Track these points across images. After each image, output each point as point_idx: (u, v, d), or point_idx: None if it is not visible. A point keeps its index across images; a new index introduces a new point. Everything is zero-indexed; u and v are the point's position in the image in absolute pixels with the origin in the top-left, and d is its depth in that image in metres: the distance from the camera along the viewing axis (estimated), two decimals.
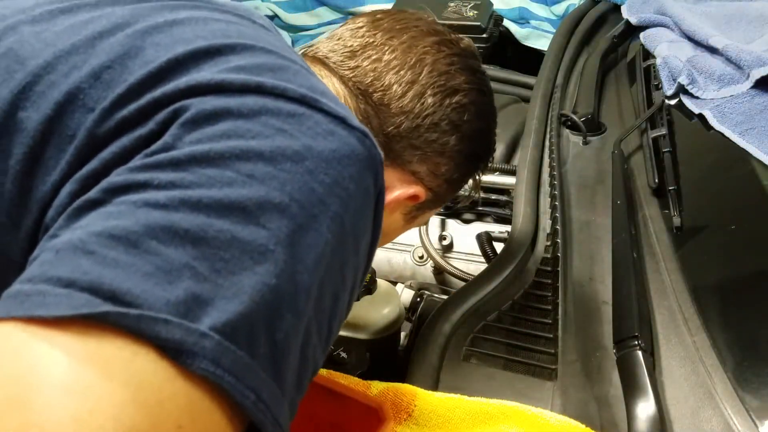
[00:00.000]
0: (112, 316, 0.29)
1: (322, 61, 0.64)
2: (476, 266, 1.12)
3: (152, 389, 0.29)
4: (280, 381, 0.34)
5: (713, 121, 0.91)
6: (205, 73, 0.40)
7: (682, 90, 1.00)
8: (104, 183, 0.36)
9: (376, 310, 0.85)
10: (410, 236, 1.19)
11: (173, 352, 0.30)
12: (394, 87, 0.62)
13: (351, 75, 0.62)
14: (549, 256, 0.87)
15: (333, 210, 0.38)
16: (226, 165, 0.36)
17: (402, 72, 0.62)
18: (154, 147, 0.37)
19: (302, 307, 0.36)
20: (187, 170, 0.35)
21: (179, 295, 0.31)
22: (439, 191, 0.68)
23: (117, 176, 0.36)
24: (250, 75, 0.40)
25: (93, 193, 0.35)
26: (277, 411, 0.33)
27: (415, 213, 0.69)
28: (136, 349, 0.29)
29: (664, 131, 0.94)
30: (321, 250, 0.37)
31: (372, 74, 0.62)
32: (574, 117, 1.09)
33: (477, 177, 0.73)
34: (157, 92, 0.39)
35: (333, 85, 0.62)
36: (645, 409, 0.57)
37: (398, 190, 0.65)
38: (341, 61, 0.63)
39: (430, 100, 0.62)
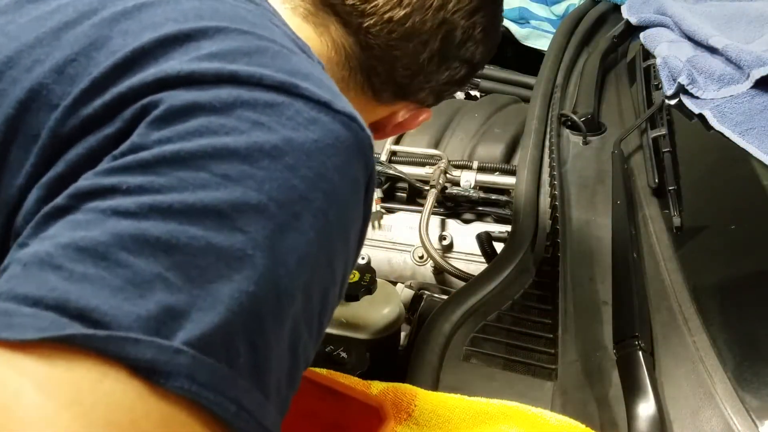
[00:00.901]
0: (78, 339, 0.28)
1: (329, 3, 0.57)
2: (476, 266, 1.12)
3: (123, 410, 0.28)
4: (263, 386, 0.33)
5: (713, 121, 0.91)
6: (174, 63, 0.37)
7: (682, 90, 1.00)
8: (72, 188, 0.34)
9: (376, 310, 0.85)
10: (410, 236, 1.19)
11: (145, 371, 0.29)
12: (414, 36, 0.58)
13: (366, 24, 0.56)
14: (549, 256, 0.87)
15: (316, 206, 0.36)
16: (199, 165, 0.34)
17: (420, 18, 0.57)
18: (122, 148, 0.35)
19: (286, 310, 0.34)
20: (157, 173, 0.33)
21: (150, 309, 0.30)
22: (439, 102, 0.71)
23: (84, 180, 0.34)
24: (223, 63, 0.37)
25: (60, 200, 0.34)
26: (261, 416, 0.32)
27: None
28: (105, 370, 0.28)
29: (664, 131, 0.94)
30: (304, 250, 0.35)
31: (388, 26, 0.57)
32: (574, 117, 1.09)
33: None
34: (123, 86, 0.36)
35: (330, 34, 0.57)
36: (645, 409, 0.57)
37: (409, 119, 0.68)
38: (352, 5, 0.56)
39: (447, 46, 0.60)
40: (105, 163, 0.35)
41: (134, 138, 0.35)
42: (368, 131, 0.40)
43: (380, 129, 0.69)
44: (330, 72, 0.57)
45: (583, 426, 0.57)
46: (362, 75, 0.60)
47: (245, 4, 0.46)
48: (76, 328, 0.28)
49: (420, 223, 1.10)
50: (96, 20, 0.40)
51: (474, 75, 0.69)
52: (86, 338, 0.28)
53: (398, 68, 0.60)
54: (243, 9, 0.45)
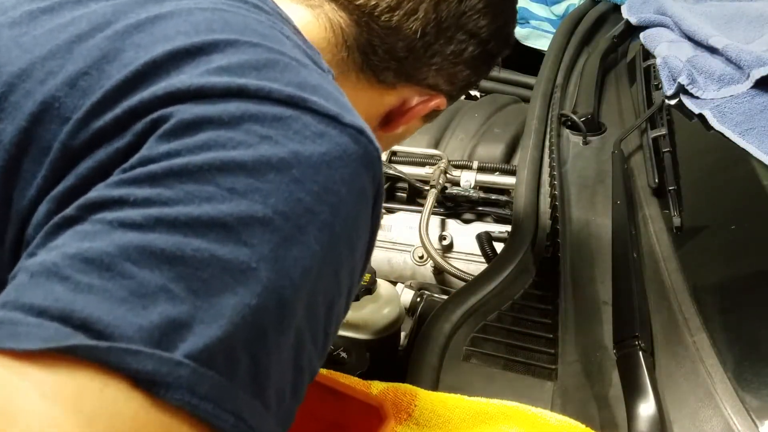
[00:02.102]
0: (80, 350, 0.28)
1: None
2: (476, 266, 1.12)
3: (124, 420, 0.29)
4: (263, 397, 0.33)
5: (713, 121, 0.91)
6: (185, 77, 0.38)
7: (682, 90, 1.00)
8: (81, 200, 0.34)
9: (376, 310, 0.85)
10: (410, 236, 1.19)
11: (146, 383, 0.29)
12: (404, 4, 0.57)
13: None
14: (549, 256, 0.87)
15: (321, 219, 0.36)
16: (206, 179, 0.34)
17: None
18: (131, 161, 0.35)
19: (289, 322, 0.34)
20: (165, 185, 0.34)
21: (153, 320, 0.30)
22: (457, 93, 0.68)
23: (94, 192, 0.35)
24: (232, 77, 0.38)
25: (70, 210, 0.34)
26: (260, 427, 0.33)
27: (432, 114, 0.69)
28: (106, 380, 0.29)
29: (664, 131, 0.94)
30: (309, 263, 0.35)
31: None
32: (574, 117, 1.09)
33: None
34: (134, 100, 0.37)
35: (325, 14, 0.57)
36: (645, 409, 0.57)
37: (418, 105, 0.65)
38: None
39: (444, 13, 0.58)
40: (115, 176, 0.35)
41: (143, 151, 0.35)
42: (377, 144, 0.40)
43: (393, 118, 0.66)
44: (329, 55, 0.57)
45: (583, 426, 0.57)
46: (360, 54, 0.59)
47: (257, 14, 0.46)
48: (79, 339, 0.29)
49: (420, 223, 1.10)
50: (108, 33, 0.40)
51: (488, 58, 0.66)
52: (88, 349, 0.29)
53: (395, 40, 0.58)
54: (254, 20, 0.45)
